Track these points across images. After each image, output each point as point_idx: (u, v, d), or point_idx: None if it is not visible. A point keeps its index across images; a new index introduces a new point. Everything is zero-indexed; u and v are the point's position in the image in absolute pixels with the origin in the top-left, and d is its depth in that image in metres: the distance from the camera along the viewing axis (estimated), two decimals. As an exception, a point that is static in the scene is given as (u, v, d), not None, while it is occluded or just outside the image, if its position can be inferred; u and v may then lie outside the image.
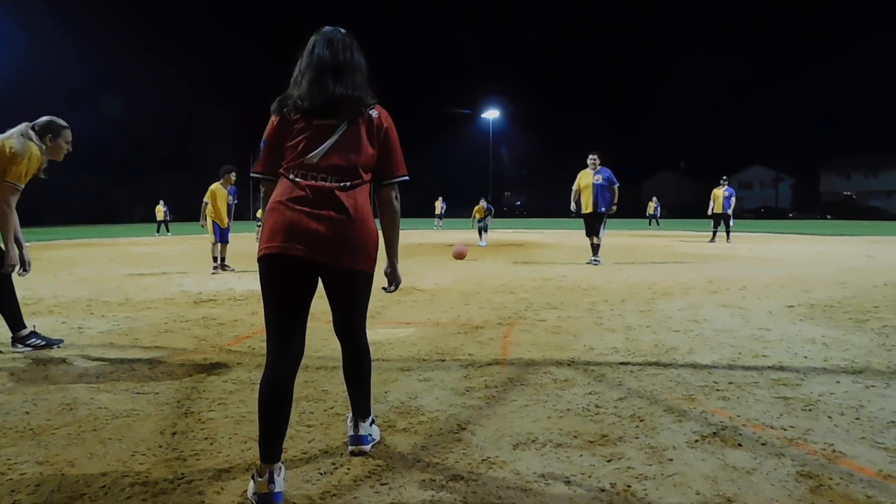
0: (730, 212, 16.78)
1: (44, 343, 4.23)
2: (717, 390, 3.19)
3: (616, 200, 10.50)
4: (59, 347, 4.26)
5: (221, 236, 9.70)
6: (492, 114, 62.96)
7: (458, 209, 36.48)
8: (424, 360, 3.90)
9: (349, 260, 2.10)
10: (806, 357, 3.90)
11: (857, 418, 2.75)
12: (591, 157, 10.43)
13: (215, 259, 9.60)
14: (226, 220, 9.80)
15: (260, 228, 9.75)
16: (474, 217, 17.72)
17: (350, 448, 2.39)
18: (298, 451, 2.41)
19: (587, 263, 10.51)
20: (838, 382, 3.32)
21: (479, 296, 6.72)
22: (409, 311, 5.74)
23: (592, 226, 10.49)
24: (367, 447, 2.40)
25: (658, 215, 34.75)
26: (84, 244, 19.24)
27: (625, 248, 15.48)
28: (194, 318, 5.45)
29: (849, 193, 73.65)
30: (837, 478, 2.14)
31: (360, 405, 2.43)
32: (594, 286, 7.49)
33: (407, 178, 2.32)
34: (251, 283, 8.15)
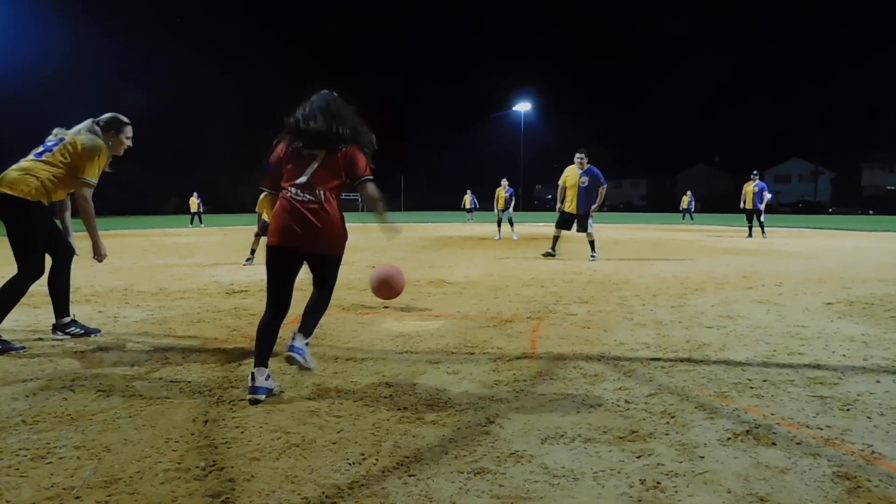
0: (761, 207, 16.43)
1: (82, 332, 4.34)
2: (751, 388, 3.13)
3: (603, 201, 10.41)
4: (96, 336, 4.36)
5: (264, 231, 10.07)
6: (523, 107, 62.45)
7: (489, 203, 36.30)
8: (453, 352, 3.90)
9: (322, 248, 3.09)
10: (844, 355, 3.79)
11: (898, 419, 2.67)
12: (577, 155, 10.33)
13: (252, 252, 9.78)
14: None
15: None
16: (496, 205, 16.57)
17: (286, 355, 3.11)
18: (327, 440, 2.43)
19: (543, 255, 10.55)
20: (878, 382, 3.23)
21: (508, 289, 6.69)
22: (439, 304, 5.74)
23: (574, 222, 10.42)
24: (297, 356, 3.09)
25: (692, 209, 34.12)
26: (119, 234, 19.70)
27: (657, 242, 15.26)
28: (226, 308, 5.54)
29: (892, 188, 71.34)
30: (876, 479, 2.08)
31: (309, 326, 3.26)
32: (625, 280, 7.40)
33: (370, 177, 3.15)
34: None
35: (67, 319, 4.32)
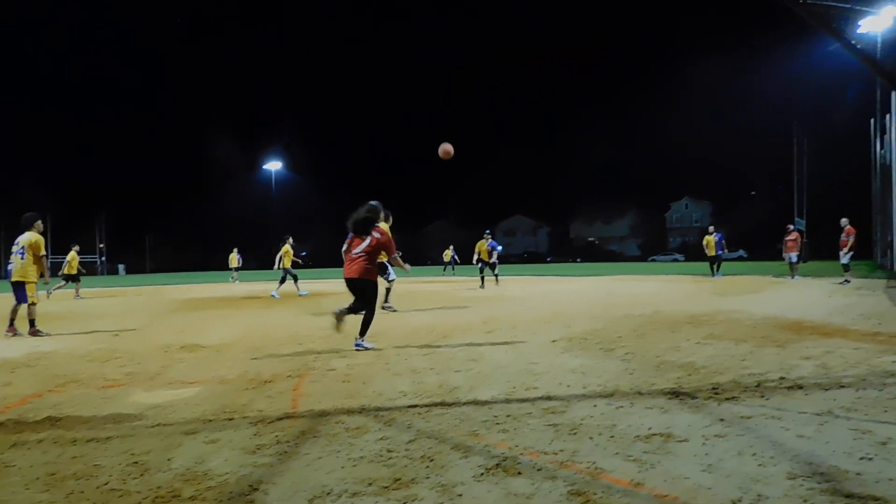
0: (495, 261, 18.37)
1: None
2: (497, 423, 3.44)
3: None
4: None
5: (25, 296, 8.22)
6: (274, 165, 62.77)
7: (248, 261, 34.29)
8: (211, 420, 3.65)
9: (364, 278, 6.34)
10: (569, 385, 4.37)
11: (612, 436, 3.15)
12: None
13: (32, 322, 8.12)
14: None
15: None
16: (282, 263, 15.76)
17: (355, 349, 6.15)
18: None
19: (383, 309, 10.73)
20: (595, 406, 3.77)
21: (267, 349, 6.47)
22: (193, 370, 5.33)
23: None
24: (359, 348, 6.14)
25: (453, 263, 35.54)
26: None
27: (409, 294, 16.02)
28: None
29: (592, 239, 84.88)
30: (600, 492, 2.43)
31: (363, 329, 6.26)
32: (380, 332, 7.62)
33: (397, 254, 6.86)
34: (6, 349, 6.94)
35: None
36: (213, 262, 51.06)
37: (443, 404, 3.92)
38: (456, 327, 7.99)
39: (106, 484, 2.64)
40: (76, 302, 15.86)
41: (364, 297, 6.36)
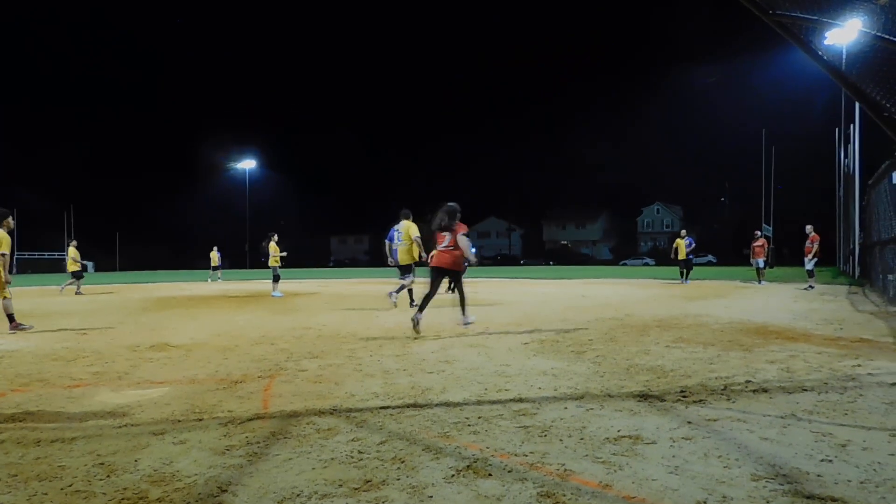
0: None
1: None
2: (469, 425, 3.45)
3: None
4: None
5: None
6: (248, 164, 62.46)
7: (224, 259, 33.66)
8: (179, 420, 3.60)
9: (452, 267, 7.76)
10: (540, 388, 4.40)
11: (582, 438, 3.18)
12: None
13: (12, 317, 8.00)
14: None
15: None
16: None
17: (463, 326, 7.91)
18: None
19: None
20: (566, 408, 3.81)
21: (238, 349, 6.40)
22: (162, 370, 5.25)
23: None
24: (465, 325, 7.93)
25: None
26: None
27: (377, 295, 15.96)
28: None
29: (565, 242, 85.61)
30: (569, 493, 2.46)
31: (463, 308, 7.98)
32: (353, 333, 7.61)
33: (464, 233, 7.74)
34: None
35: None
36: (188, 261, 50.40)
37: (414, 406, 3.92)
38: (429, 328, 7.98)
39: (70, 485, 2.59)
40: (43, 300, 15.48)
41: (452, 281, 8.07)
